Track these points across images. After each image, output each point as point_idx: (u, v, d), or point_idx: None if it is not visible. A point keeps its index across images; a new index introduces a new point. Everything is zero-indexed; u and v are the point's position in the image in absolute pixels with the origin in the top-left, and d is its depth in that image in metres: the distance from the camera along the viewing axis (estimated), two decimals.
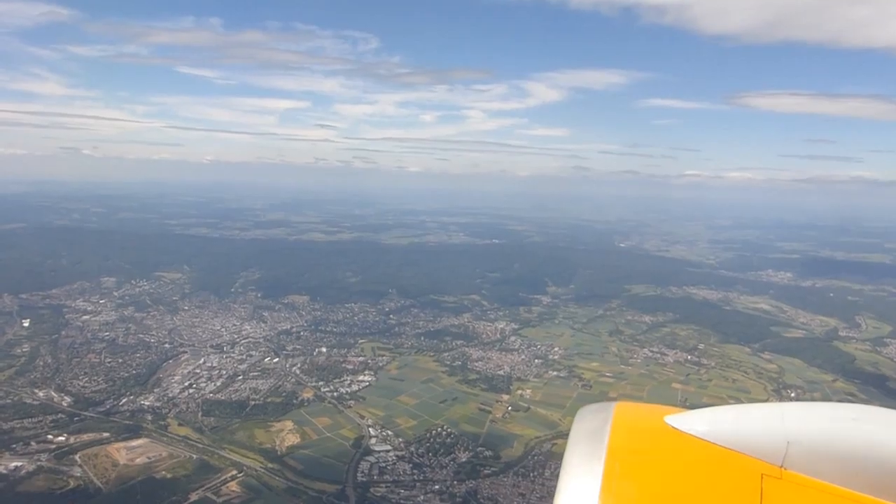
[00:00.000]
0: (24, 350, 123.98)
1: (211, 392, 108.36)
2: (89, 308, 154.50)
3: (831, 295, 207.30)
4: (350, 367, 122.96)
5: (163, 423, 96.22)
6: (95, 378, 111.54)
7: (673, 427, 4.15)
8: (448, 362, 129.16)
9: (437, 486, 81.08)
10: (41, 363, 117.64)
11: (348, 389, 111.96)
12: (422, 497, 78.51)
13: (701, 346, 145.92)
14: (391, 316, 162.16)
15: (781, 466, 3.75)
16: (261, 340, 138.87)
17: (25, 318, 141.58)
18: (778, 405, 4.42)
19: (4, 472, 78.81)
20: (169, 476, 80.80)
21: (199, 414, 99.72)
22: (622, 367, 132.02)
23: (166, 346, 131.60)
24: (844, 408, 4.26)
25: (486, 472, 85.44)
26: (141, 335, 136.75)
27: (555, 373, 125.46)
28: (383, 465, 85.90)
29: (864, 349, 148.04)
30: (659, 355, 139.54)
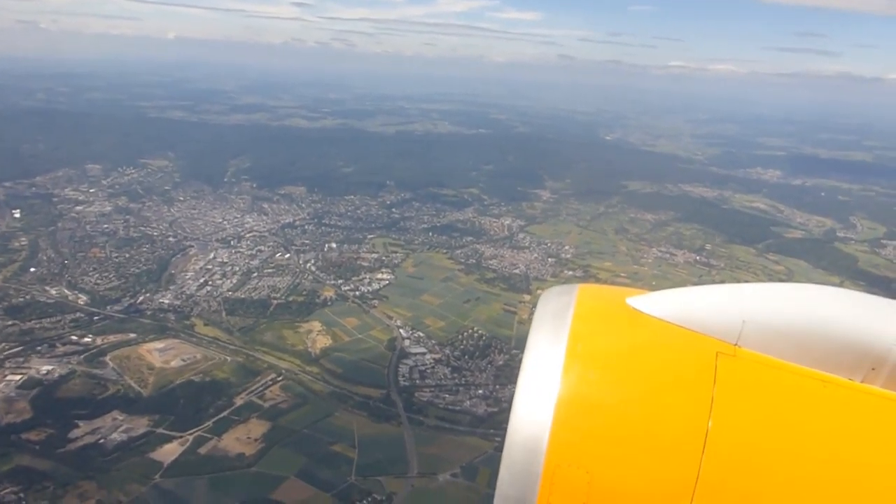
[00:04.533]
0: (22, 243, 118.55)
1: (229, 290, 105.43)
2: (80, 198, 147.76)
3: (822, 194, 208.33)
4: (365, 264, 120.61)
5: (187, 322, 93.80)
6: (106, 274, 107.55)
7: (634, 308, 4.18)
8: (462, 260, 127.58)
9: (480, 391, 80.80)
10: (44, 258, 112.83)
11: (369, 288, 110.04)
12: (468, 402, 78.16)
13: (708, 247, 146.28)
14: (394, 210, 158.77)
15: (736, 344, 3.86)
16: (266, 234, 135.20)
17: (15, 209, 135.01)
18: (736, 286, 4.35)
19: (37, 376, 76.17)
20: (208, 379, 79.09)
21: (223, 313, 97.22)
22: (635, 266, 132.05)
23: (171, 239, 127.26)
24: (799, 287, 4.27)
25: None
26: (142, 228, 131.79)
27: (570, 272, 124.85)
28: (422, 368, 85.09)
29: (863, 251, 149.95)
30: (668, 255, 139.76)
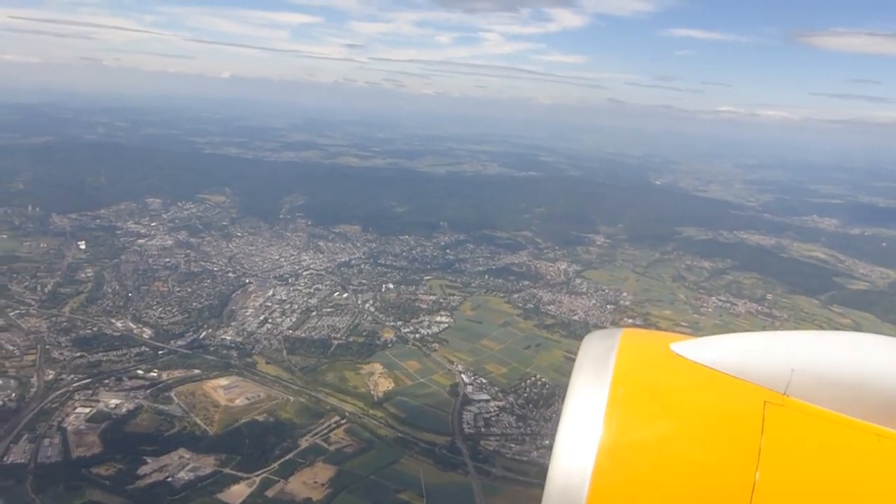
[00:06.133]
0: (87, 275, 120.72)
1: (289, 328, 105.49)
2: (142, 231, 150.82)
3: (884, 244, 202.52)
4: (424, 306, 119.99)
5: (249, 359, 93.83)
6: (169, 309, 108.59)
7: (678, 354, 4.07)
8: (520, 304, 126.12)
9: (546, 441, 78.72)
10: (109, 290, 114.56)
11: (428, 331, 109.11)
12: (535, 452, 76.26)
13: (769, 297, 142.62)
14: (448, 251, 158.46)
15: (784, 394, 3.74)
16: (323, 273, 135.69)
17: (80, 240, 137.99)
18: (784, 333, 4.20)
19: (106, 409, 76.53)
20: (272, 420, 78.51)
21: (284, 352, 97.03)
22: (695, 316, 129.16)
23: (230, 275, 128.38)
24: (849, 335, 4.08)
25: None
26: (203, 262, 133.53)
27: (630, 320, 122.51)
28: (487, 416, 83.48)
29: None
30: (728, 305, 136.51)
